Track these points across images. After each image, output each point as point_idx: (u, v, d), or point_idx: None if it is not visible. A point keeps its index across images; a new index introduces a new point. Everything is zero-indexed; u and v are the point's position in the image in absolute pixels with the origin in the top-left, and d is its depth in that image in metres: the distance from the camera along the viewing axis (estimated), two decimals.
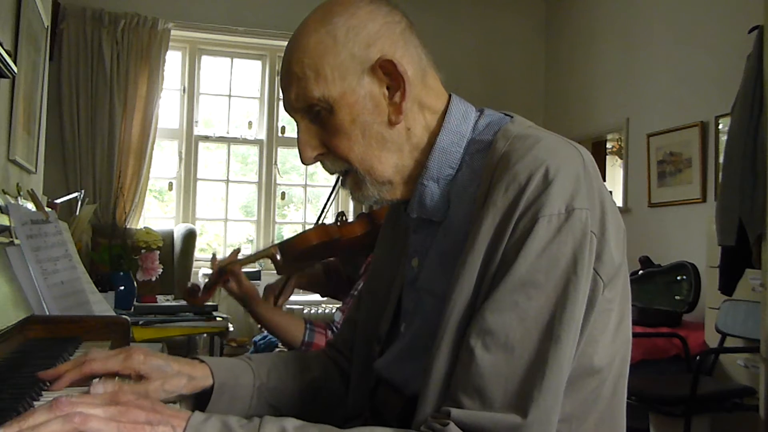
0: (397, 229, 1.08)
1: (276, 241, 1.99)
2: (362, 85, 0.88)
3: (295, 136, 0.93)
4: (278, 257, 1.78)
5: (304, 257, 1.85)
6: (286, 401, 1.07)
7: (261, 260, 1.86)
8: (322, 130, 0.91)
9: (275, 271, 1.87)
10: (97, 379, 0.82)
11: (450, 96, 0.95)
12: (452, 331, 0.80)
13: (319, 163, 0.95)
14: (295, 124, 0.92)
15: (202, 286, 1.84)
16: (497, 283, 0.77)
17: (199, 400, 1.00)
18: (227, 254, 1.88)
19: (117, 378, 0.93)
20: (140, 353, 0.93)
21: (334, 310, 1.85)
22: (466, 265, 0.80)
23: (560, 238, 0.77)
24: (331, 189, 1.77)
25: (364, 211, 1.95)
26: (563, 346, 0.75)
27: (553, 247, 0.76)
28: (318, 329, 1.76)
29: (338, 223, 1.90)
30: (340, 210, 2.05)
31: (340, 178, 0.96)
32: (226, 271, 1.75)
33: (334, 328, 1.76)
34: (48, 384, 0.91)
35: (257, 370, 1.06)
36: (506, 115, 0.94)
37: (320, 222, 1.89)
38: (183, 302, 2.87)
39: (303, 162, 0.94)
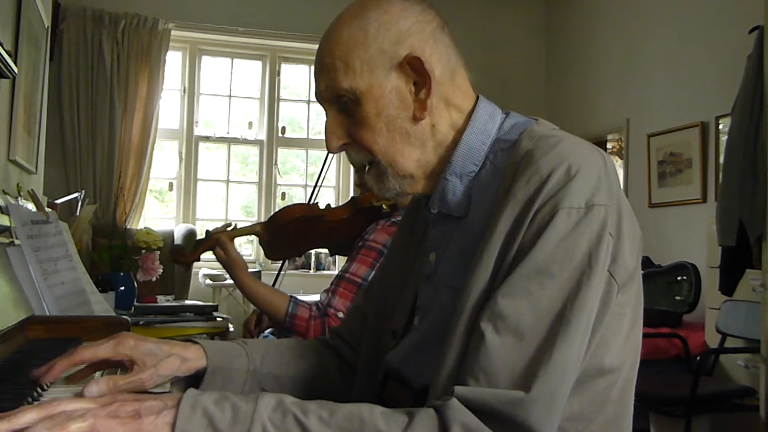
0: (415, 224, 1.09)
1: None
2: (389, 80, 0.90)
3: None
4: (264, 231, 1.91)
5: (288, 233, 1.94)
6: (279, 388, 1.06)
7: (249, 235, 1.99)
8: (348, 121, 0.93)
9: (264, 254, 2.01)
10: (93, 382, 0.83)
11: (478, 97, 0.97)
12: (467, 319, 0.81)
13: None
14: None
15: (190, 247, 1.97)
16: (512, 270, 0.79)
17: (192, 384, 0.99)
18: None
19: (115, 374, 0.93)
20: (130, 338, 0.93)
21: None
22: (484, 255, 0.82)
23: (578, 231, 0.78)
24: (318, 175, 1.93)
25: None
26: (573, 330, 0.76)
27: (570, 239, 0.78)
28: (302, 303, 1.79)
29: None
30: (328, 203, 2.15)
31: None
32: (210, 235, 1.88)
33: (320, 305, 1.77)
34: (47, 386, 0.91)
35: (251, 354, 1.06)
36: (531, 118, 0.96)
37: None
38: (184, 302, 2.87)
39: (329, 150, 0.96)
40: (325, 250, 2.32)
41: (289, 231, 1.93)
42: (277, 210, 1.98)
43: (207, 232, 1.94)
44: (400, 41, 0.90)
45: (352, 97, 0.90)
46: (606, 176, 0.82)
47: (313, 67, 0.97)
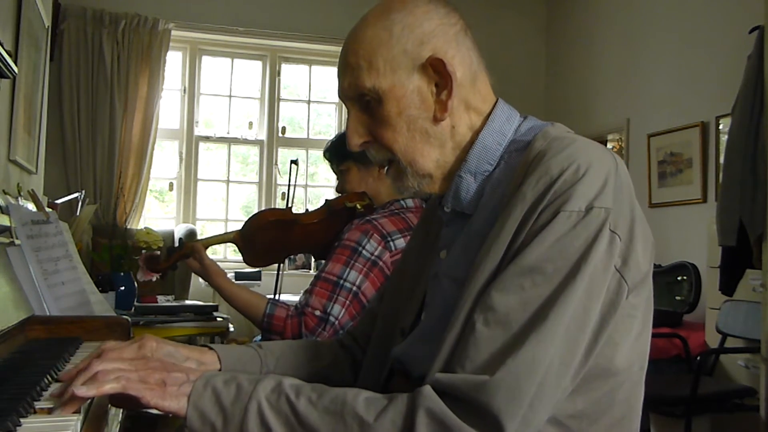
0: (431, 226, 1.11)
1: None
2: (411, 81, 0.92)
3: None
4: (239, 238, 1.94)
5: (263, 239, 1.95)
6: None
7: (224, 243, 2.02)
8: (370, 120, 0.95)
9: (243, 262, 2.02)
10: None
11: (497, 99, 0.99)
12: (467, 311, 0.82)
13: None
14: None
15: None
16: (509, 266, 0.80)
17: None
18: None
19: None
20: (152, 341, 0.98)
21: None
22: (490, 251, 0.83)
23: (574, 233, 0.79)
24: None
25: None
26: (549, 325, 0.76)
27: (566, 240, 0.79)
28: (280, 304, 1.81)
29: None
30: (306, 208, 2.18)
31: (386, 168, 1.01)
32: (184, 244, 1.91)
33: (297, 305, 1.79)
34: (49, 382, 0.92)
35: (265, 358, 1.09)
36: (548, 123, 0.97)
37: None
38: (184, 302, 2.88)
39: (349, 147, 0.98)
40: None
41: (264, 236, 1.95)
42: (250, 216, 2.00)
43: (180, 240, 1.96)
44: (424, 43, 0.91)
45: (375, 96, 0.92)
46: (615, 179, 0.83)
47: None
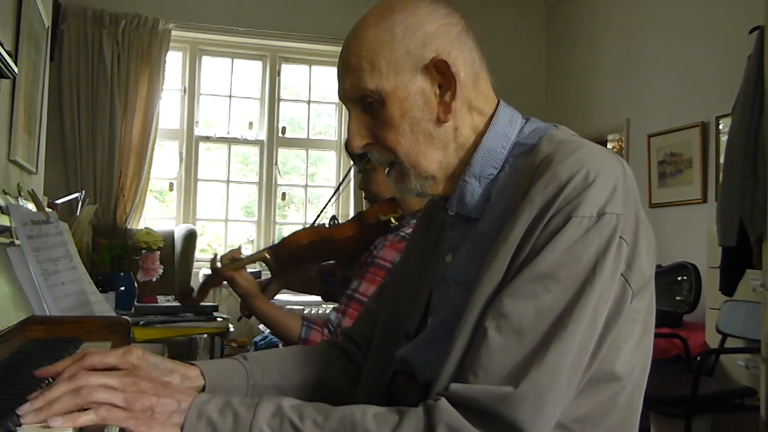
0: (431, 227, 1.10)
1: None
2: (415, 82, 0.91)
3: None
4: (271, 259, 1.89)
5: (296, 258, 1.92)
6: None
7: (256, 262, 1.94)
8: (372, 121, 0.94)
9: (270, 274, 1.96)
10: None
11: (499, 101, 0.99)
12: (475, 317, 0.82)
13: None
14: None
15: (197, 288, 1.97)
16: (520, 272, 0.80)
17: None
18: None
19: None
20: (138, 350, 0.96)
21: (328, 310, 1.88)
22: (498, 256, 0.83)
23: (586, 239, 0.79)
24: (333, 191, 1.87)
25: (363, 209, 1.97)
26: (569, 334, 0.76)
27: (578, 246, 0.79)
28: (315, 327, 1.79)
29: (329, 225, 1.96)
30: (332, 215, 2.11)
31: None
32: (218, 273, 1.87)
33: (330, 327, 1.78)
34: (49, 380, 0.91)
35: (251, 369, 1.07)
36: (551, 124, 0.97)
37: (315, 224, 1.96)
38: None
39: (351, 149, 0.97)
40: None
41: (298, 256, 1.92)
42: (283, 237, 1.96)
43: (213, 270, 1.89)
44: (426, 44, 0.91)
45: (377, 97, 0.91)
46: (624, 184, 0.84)
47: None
